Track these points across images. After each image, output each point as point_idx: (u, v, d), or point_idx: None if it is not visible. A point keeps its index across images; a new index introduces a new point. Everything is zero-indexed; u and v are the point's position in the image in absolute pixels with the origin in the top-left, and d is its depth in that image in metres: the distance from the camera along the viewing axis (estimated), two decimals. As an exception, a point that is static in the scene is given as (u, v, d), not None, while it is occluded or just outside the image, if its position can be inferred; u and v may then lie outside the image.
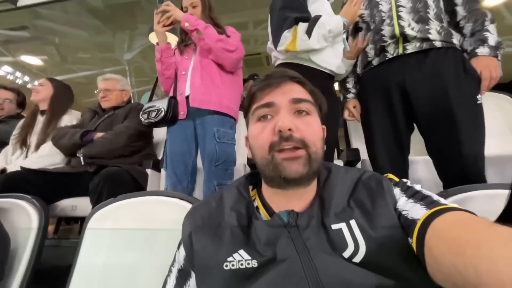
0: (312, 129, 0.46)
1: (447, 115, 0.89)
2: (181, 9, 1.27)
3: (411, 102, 0.96)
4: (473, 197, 0.63)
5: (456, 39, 0.96)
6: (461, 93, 0.89)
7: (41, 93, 1.61)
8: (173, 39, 1.37)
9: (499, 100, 1.44)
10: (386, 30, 1.00)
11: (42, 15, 2.94)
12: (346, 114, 1.19)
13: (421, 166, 1.21)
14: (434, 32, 0.94)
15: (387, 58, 1.01)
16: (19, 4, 2.48)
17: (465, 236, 0.30)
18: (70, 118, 1.62)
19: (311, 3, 1.08)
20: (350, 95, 1.20)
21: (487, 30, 0.93)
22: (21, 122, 1.66)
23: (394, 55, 0.99)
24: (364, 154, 1.31)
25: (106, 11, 2.96)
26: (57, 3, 2.59)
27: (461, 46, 0.98)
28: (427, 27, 0.95)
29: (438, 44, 0.94)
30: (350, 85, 1.21)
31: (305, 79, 0.52)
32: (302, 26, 1.01)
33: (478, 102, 0.90)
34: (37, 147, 1.48)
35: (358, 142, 1.46)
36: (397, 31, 0.97)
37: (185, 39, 1.29)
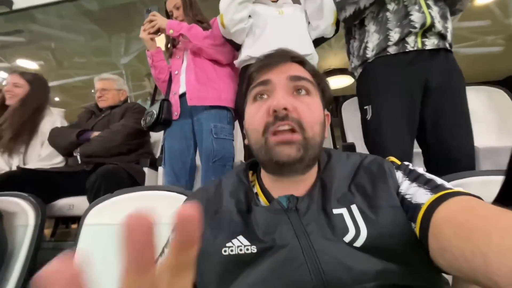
0: (310, 111, 0.43)
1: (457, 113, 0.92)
2: (167, 13, 1.31)
3: (426, 98, 0.94)
4: (467, 184, 0.64)
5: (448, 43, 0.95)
6: (462, 99, 0.93)
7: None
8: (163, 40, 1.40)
9: (491, 93, 1.47)
10: (416, 16, 0.90)
11: (38, 20, 2.94)
12: None
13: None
14: (449, 32, 0.92)
15: (406, 50, 0.93)
16: (15, 7, 2.48)
17: (474, 222, 0.29)
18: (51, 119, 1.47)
19: None
20: None
21: None
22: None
23: (415, 48, 0.92)
24: (359, 149, 1.32)
25: (101, 14, 2.96)
26: (52, 6, 2.59)
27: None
28: (446, 25, 0.91)
29: (447, 45, 0.92)
30: None
31: (307, 60, 0.48)
32: None
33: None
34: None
35: (353, 137, 1.47)
36: (428, 20, 0.89)
37: (172, 42, 1.33)
